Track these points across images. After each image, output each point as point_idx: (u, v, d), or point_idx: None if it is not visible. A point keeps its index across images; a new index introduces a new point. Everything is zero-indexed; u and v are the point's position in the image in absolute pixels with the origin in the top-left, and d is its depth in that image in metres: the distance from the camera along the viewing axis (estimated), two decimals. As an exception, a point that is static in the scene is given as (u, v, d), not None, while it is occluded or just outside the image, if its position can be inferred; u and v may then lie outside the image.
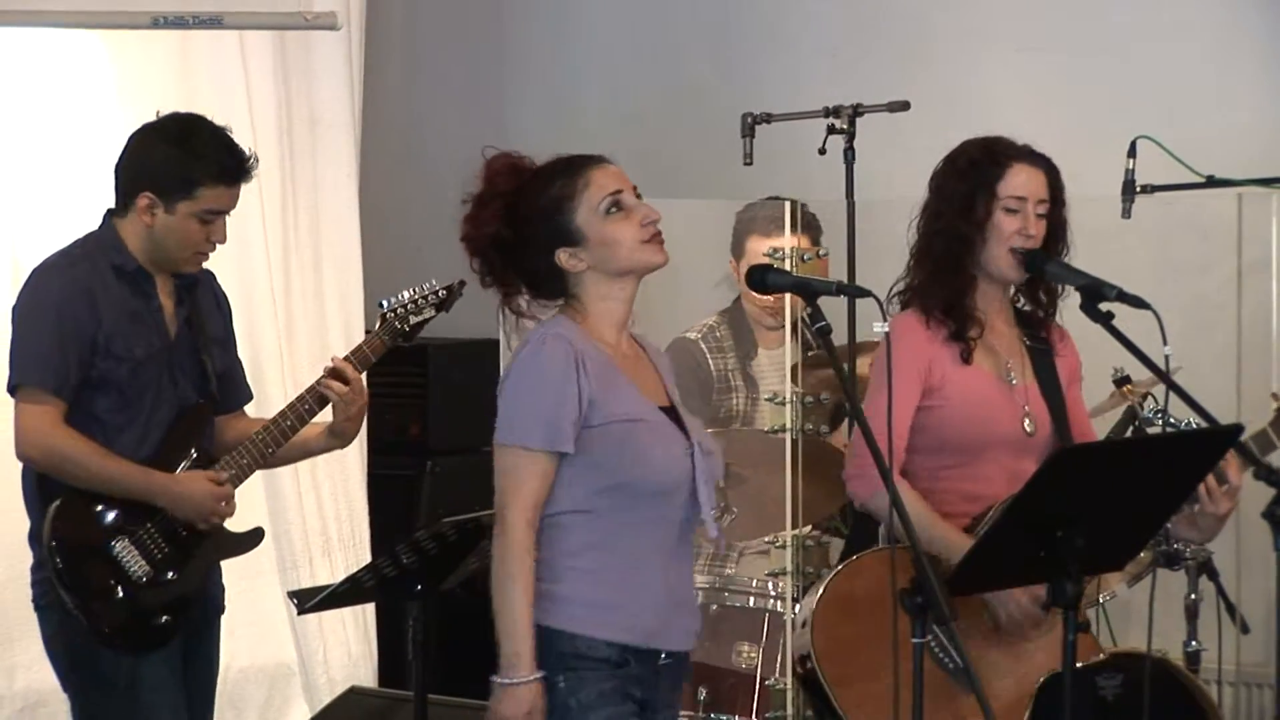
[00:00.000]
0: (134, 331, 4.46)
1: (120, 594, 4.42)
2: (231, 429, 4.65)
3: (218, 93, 5.88)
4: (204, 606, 4.62)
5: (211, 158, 4.45)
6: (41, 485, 4.43)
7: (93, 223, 4.59)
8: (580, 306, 3.82)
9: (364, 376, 4.66)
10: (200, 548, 4.54)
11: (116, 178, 4.53)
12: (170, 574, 4.47)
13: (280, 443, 4.57)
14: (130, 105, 5.61)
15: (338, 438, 4.65)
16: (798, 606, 4.27)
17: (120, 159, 4.53)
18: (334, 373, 4.58)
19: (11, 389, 4.44)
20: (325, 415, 4.64)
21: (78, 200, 5.58)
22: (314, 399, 4.59)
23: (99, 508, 4.43)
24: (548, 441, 3.69)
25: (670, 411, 3.85)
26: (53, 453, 4.39)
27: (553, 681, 3.68)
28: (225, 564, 4.69)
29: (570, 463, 3.71)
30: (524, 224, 3.80)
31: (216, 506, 4.50)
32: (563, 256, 3.79)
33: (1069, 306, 4.37)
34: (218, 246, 4.53)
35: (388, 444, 6.57)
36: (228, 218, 4.52)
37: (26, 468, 4.48)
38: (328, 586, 4.61)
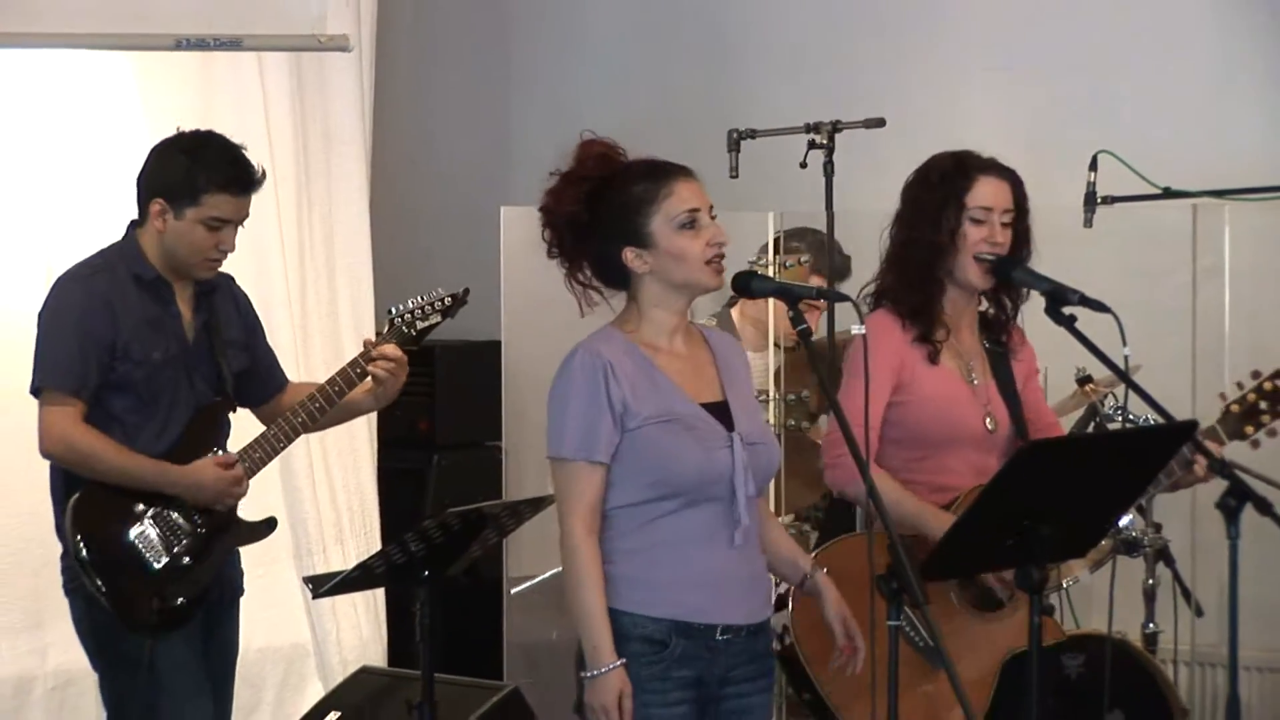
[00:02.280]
0: (152, 336, 4.46)
1: (139, 579, 4.42)
2: (281, 408, 4.66)
3: (237, 110, 5.87)
4: (223, 590, 4.62)
5: (218, 168, 4.46)
6: (66, 480, 4.44)
7: (119, 232, 4.59)
8: (635, 309, 3.81)
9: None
10: (217, 536, 4.54)
11: (137, 187, 4.54)
12: (187, 560, 4.47)
13: (330, 404, 4.60)
14: (155, 122, 5.59)
15: (379, 400, 4.71)
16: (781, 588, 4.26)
17: (141, 170, 4.54)
18: (377, 354, 4.61)
19: (35, 391, 4.44)
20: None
21: (106, 211, 5.56)
22: (344, 382, 4.61)
23: (117, 499, 4.43)
24: (583, 452, 3.70)
25: (719, 406, 3.82)
26: (72, 449, 4.39)
27: None
28: (245, 551, 4.68)
29: (618, 463, 3.71)
30: (602, 213, 3.78)
31: (229, 488, 4.50)
32: (629, 255, 3.77)
33: (1034, 310, 4.36)
34: (229, 255, 4.52)
35: (397, 439, 6.57)
36: (241, 229, 4.52)
37: (53, 464, 4.48)
38: (340, 572, 4.60)
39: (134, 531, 4.43)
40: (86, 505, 4.40)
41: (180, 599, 4.47)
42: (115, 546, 4.40)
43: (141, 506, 4.44)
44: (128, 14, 5.45)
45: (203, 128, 4.59)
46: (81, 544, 4.38)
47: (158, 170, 4.50)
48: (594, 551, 3.70)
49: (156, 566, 4.43)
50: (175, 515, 4.47)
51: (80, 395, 4.39)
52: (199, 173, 4.43)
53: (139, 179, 4.53)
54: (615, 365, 3.71)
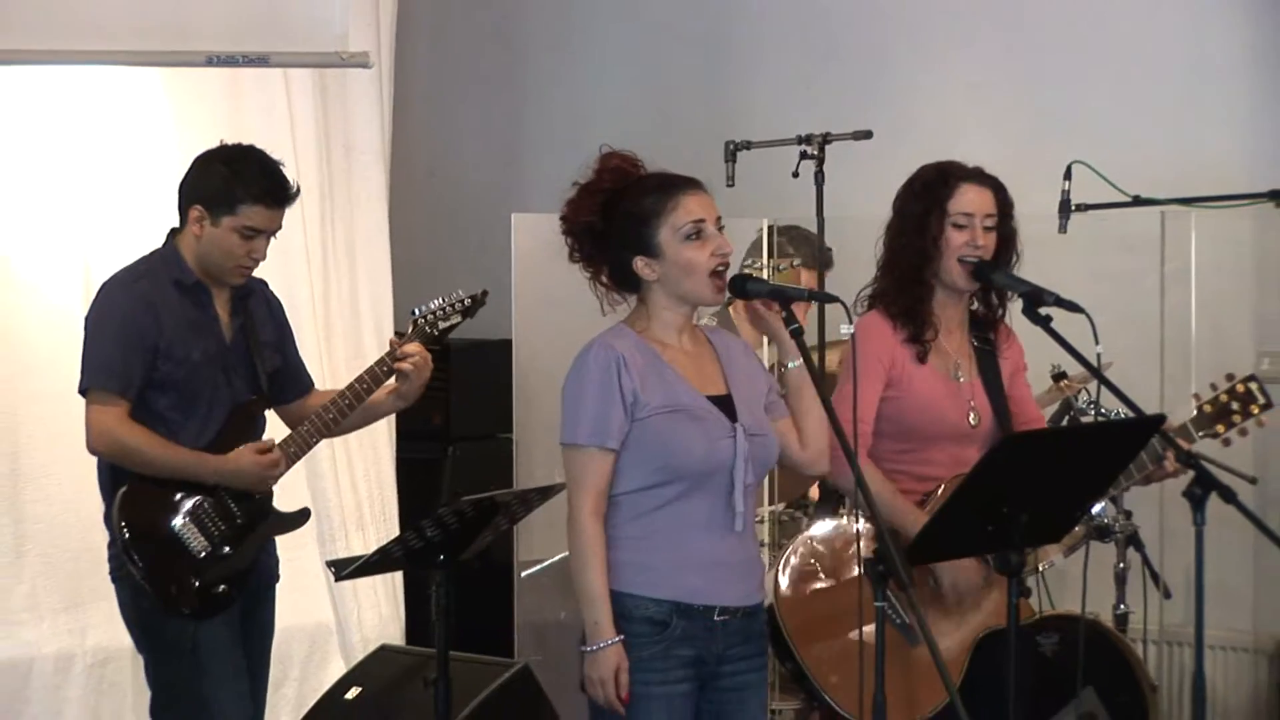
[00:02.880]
0: (192, 338, 4.46)
1: (183, 567, 4.42)
2: (305, 410, 4.65)
3: (264, 123, 5.88)
4: (260, 577, 4.62)
5: (256, 180, 4.45)
6: (113, 474, 4.44)
7: (151, 236, 4.59)
8: (645, 311, 3.82)
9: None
10: (254, 526, 4.54)
11: (179, 195, 4.53)
12: (226, 549, 4.47)
13: (357, 402, 4.58)
14: (185, 134, 5.62)
15: (403, 399, 4.66)
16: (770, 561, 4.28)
17: (183, 178, 4.53)
18: (402, 353, 4.58)
19: (83, 391, 4.44)
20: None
21: (139, 215, 5.59)
22: (371, 379, 4.59)
23: (162, 492, 4.43)
24: (595, 439, 3.70)
25: (724, 399, 3.82)
26: (117, 445, 4.39)
27: None
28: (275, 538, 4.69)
29: (626, 450, 3.71)
30: (615, 223, 3.78)
31: (266, 472, 4.50)
32: (639, 263, 3.78)
33: (1013, 310, 4.37)
34: (259, 263, 4.53)
35: (414, 432, 6.56)
36: (272, 239, 4.52)
37: (100, 459, 4.48)
38: (361, 557, 4.59)
39: (177, 522, 4.42)
40: (133, 498, 4.40)
41: (221, 585, 4.47)
42: (160, 536, 4.40)
43: (184, 498, 4.44)
44: (161, 32, 5.45)
45: (230, 140, 4.60)
46: (127, 534, 4.38)
47: (198, 179, 4.49)
48: (599, 533, 3.70)
49: (199, 555, 4.43)
50: (216, 507, 4.47)
51: (125, 395, 4.39)
52: (237, 184, 4.43)
53: (180, 186, 4.52)
54: (627, 359, 3.73)
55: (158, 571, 4.39)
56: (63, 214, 5.75)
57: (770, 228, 5.63)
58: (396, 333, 4.74)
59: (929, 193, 4.31)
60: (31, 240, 5.70)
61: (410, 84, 6.96)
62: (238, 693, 4.50)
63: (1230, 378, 4.47)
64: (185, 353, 4.44)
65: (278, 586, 4.72)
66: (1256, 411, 4.44)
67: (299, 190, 4.55)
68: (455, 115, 7.50)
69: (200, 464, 4.44)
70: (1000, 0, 6.49)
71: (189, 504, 4.44)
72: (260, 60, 5.61)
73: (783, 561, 4.28)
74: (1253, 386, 4.45)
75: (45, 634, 5.65)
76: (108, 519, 4.45)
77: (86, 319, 4.51)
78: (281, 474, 4.56)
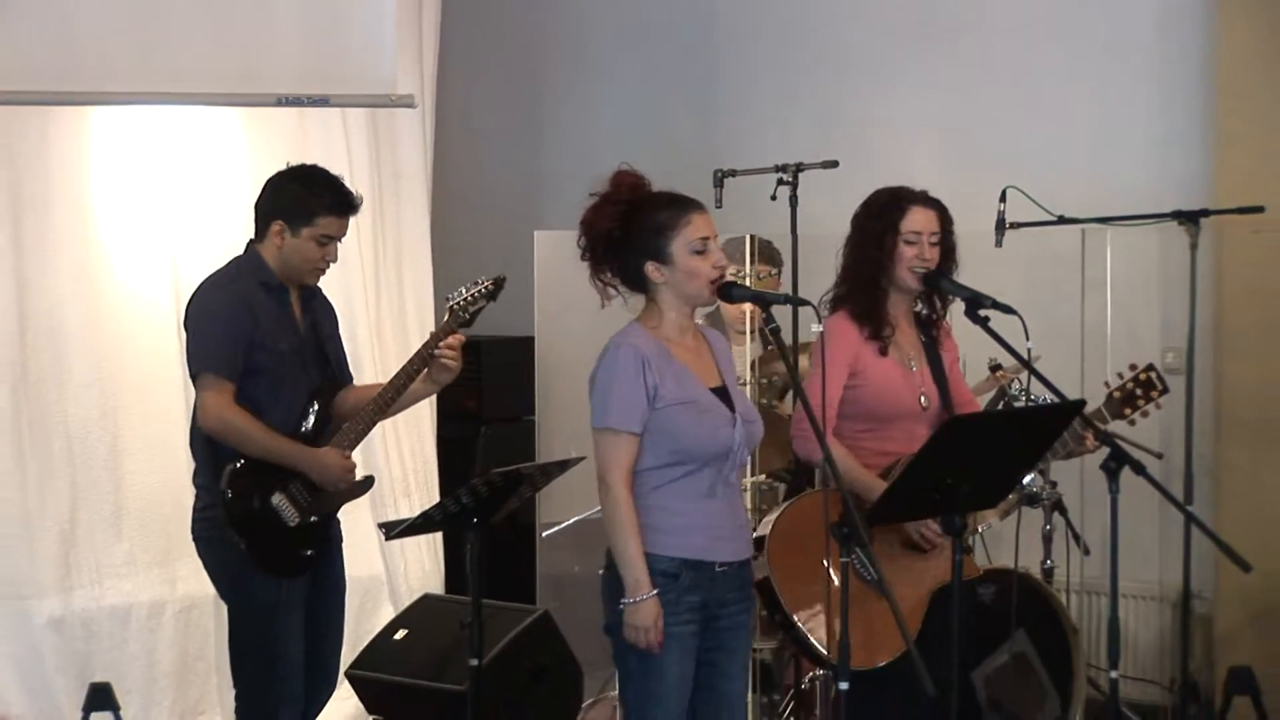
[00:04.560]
0: (278, 331, 4.44)
1: (278, 535, 4.41)
2: (349, 398, 4.63)
3: (325, 155, 5.82)
4: (331, 541, 4.61)
5: (327, 194, 4.44)
6: (211, 449, 4.41)
7: (228, 243, 4.58)
8: (655, 310, 3.81)
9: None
10: (332, 498, 4.53)
11: (256, 212, 4.51)
12: (313, 518, 4.46)
13: (399, 394, 4.53)
14: (260, 162, 5.60)
15: (435, 385, 4.59)
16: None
17: (258, 198, 4.51)
18: (443, 346, 4.51)
19: (194, 376, 4.42)
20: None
21: (219, 229, 5.59)
22: (420, 361, 4.53)
23: (262, 471, 4.40)
24: (624, 424, 3.71)
25: (720, 390, 3.83)
26: (225, 423, 4.36)
27: None
28: (337, 503, 4.70)
29: (647, 434, 3.72)
30: (632, 231, 3.76)
31: (345, 475, 4.49)
32: (651, 268, 3.77)
33: (956, 311, 4.37)
34: (332, 265, 4.51)
35: (452, 414, 6.56)
36: (339, 244, 4.51)
37: (195, 431, 4.46)
38: (407, 519, 4.60)
39: (275, 497, 4.41)
40: (241, 473, 4.37)
41: (308, 551, 4.47)
42: (259, 507, 4.39)
43: (280, 478, 4.41)
44: (240, 78, 5.45)
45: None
46: (232, 503, 4.35)
47: (275, 197, 4.47)
48: (631, 504, 3.71)
49: (292, 525, 4.42)
50: (303, 484, 4.45)
51: (231, 378, 4.36)
52: (312, 199, 4.41)
53: (257, 205, 4.50)
54: (649, 357, 3.73)
55: (256, 538, 4.38)
56: (156, 226, 5.74)
57: (752, 238, 5.62)
58: (439, 321, 4.66)
59: (884, 214, 4.32)
60: (130, 248, 5.70)
61: (448, 121, 6.95)
62: (298, 646, 4.49)
63: (1134, 368, 4.47)
64: (275, 344, 4.42)
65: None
66: (1156, 396, 4.45)
67: (362, 199, 4.52)
68: (486, 147, 7.49)
69: (296, 454, 4.41)
70: (947, 49, 6.48)
71: (285, 483, 4.42)
72: (322, 101, 5.60)
73: (771, 527, 4.27)
74: (1153, 375, 4.46)
75: (141, 585, 5.65)
76: (208, 488, 4.42)
77: (188, 316, 4.49)
78: (354, 480, 4.52)
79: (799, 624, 4.14)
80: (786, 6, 6.83)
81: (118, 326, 5.64)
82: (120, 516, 5.63)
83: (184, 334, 4.55)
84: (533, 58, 7.45)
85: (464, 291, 4.62)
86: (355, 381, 4.77)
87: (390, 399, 4.54)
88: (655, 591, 3.69)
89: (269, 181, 4.52)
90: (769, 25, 6.87)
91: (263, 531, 4.38)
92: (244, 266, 4.49)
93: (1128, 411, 4.45)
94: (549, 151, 7.37)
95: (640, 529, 3.71)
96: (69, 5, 5.16)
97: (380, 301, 6.27)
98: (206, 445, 4.42)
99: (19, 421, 5.44)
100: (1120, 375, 4.46)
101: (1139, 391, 4.43)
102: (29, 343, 5.47)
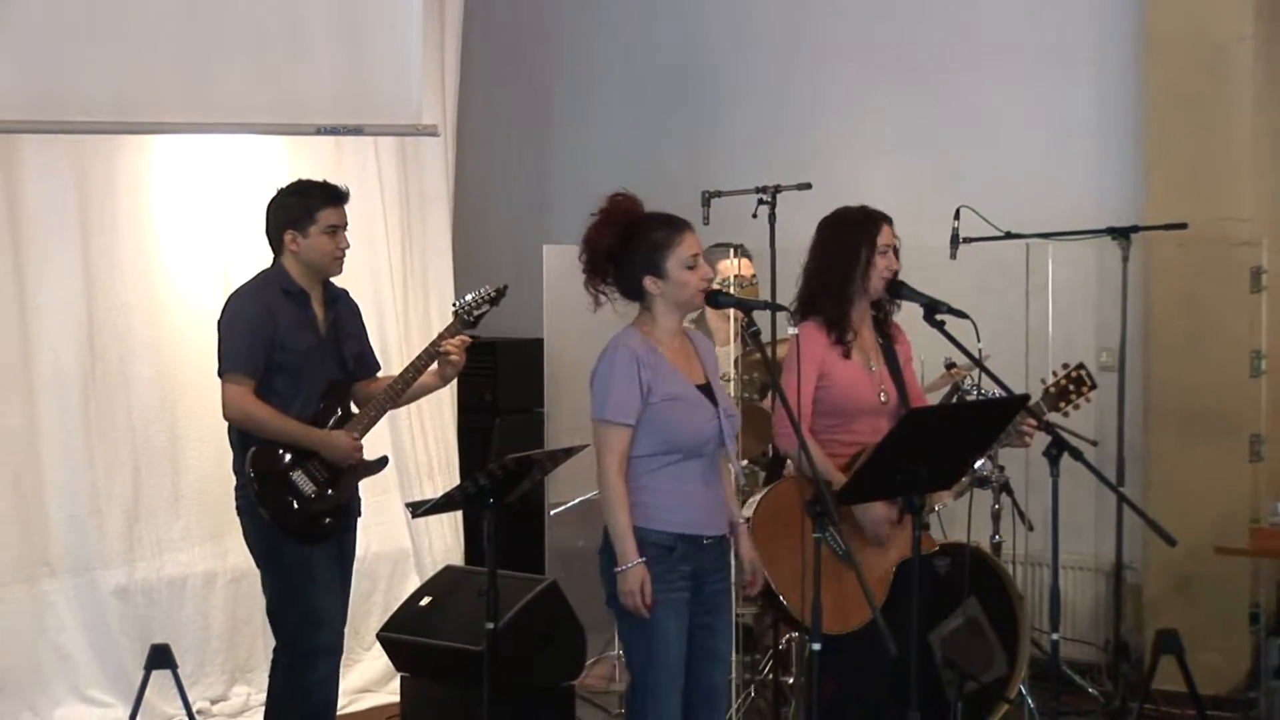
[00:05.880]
0: (299, 332, 4.46)
1: (297, 505, 4.43)
2: (372, 387, 4.64)
3: (359, 177, 5.85)
4: (350, 512, 4.61)
5: (318, 192, 4.49)
6: (241, 436, 4.46)
7: (267, 259, 4.59)
8: (649, 317, 3.83)
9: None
10: (348, 473, 4.55)
11: (268, 235, 4.54)
12: (330, 491, 4.48)
13: (408, 387, 4.56)
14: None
15: (443, 380, 4.63)
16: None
17: (266, 223, 4.54)
18: (447, 345, 4.54)
19: (221, 374, 4.46)
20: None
21: (262, 242, 5.56)
22: (426, 358, 4.56)
23: (280, 451, 4.44)
24: (620, 417, 3.73)
25: (705, 387, 3.84)
26: (244, 414, 4.41)
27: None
28: (366, 484, 4.68)
29: (640, 426, 3.74)
30: (631, 248, 3.78)
31: (351, 454, 4.51)
32: (648, 281, 3.79)
33: (915, 316, 4.34)
34: (347, 250, 4.51)
35: (470, 406, 6.56)
36: (347, 234, 4.51)
37: (230, 424, 4.49)
38: (431, 499, 4.60)
39: (294, 473, 4.44)
40: (260, 455, 4.42)
41: (327, 519, 4.48)
42: (280, 483, 4.42)
43: (297, 456, 4.45)
44: (282, 109, 5.45)
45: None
46: (256, 481, 4.39)
47: (278, 213, 4.51)
48: (624, 486, 3.74)
49: (310, 495, 4.44)
50: (319, 461, 4.48)
51: (252, 376, 4.40)
52: (307, 200, 4.45)
53: (267, 230, 4.53)
54: (643, 357, 3.75)
55: (279, 509, 4.41)
56: (210, 242, 5.75)
57: (736, 249, 5.61)
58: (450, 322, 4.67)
59: (860, 229, 4.29)
60: (187, 261, 5.70)
61: (467, 147, 6.94)
62: (335, 599, 4.52)
63: (1066, 366, 4.46)
64: (294, 344, 4.44)
65: (368, 521, 4.73)
66: (1086, 391, 4.44)
67: (348, 190, 4.54)
68: (500, 171, 7.49)
69: (309, 436, 4.45)
70: (909, 84, 6.48)
71: (301, 460, 4.45)
72: (356, 130, 5.60)
73: (755, 508, 4.25)
74: (1083, 373, 4.45)
75: (196, 557, 5.66)
76: (239, 470, 4.46)
77: (221, 320, 4.51)
78: (360, 457, 4.54)
79: (783, 599, 4.13)
80: (765, 49, 6.83)
81: (175, 331, 5.65)
82: (178, 498, 5.64)
83: None
84: (541, 92, 7.45)
85: (469, 298, 4.65)
86: (383, 373, 4.78)
87: (400, 390, 4.57)
88: (642, 560, 3.71)
89: (268, 206, 4.56)
90: (750, 66, 6.87)
91: (285, 504, 4.41)
92: (268, 277, 4.53)
93: (1061, 405, 4.44)
94: (555, 175, 7.37)
95: (636, 507, 3.73)
96: (129, 46, 5.16)
97: (408, 308, 6.26)
98: (239, 435, 4.47)
99: (88, 414, 5.47)
100: (1055, 373, 4.45)
101: (1071, 387, 4.42)
102: (97, 346, 5.49)
